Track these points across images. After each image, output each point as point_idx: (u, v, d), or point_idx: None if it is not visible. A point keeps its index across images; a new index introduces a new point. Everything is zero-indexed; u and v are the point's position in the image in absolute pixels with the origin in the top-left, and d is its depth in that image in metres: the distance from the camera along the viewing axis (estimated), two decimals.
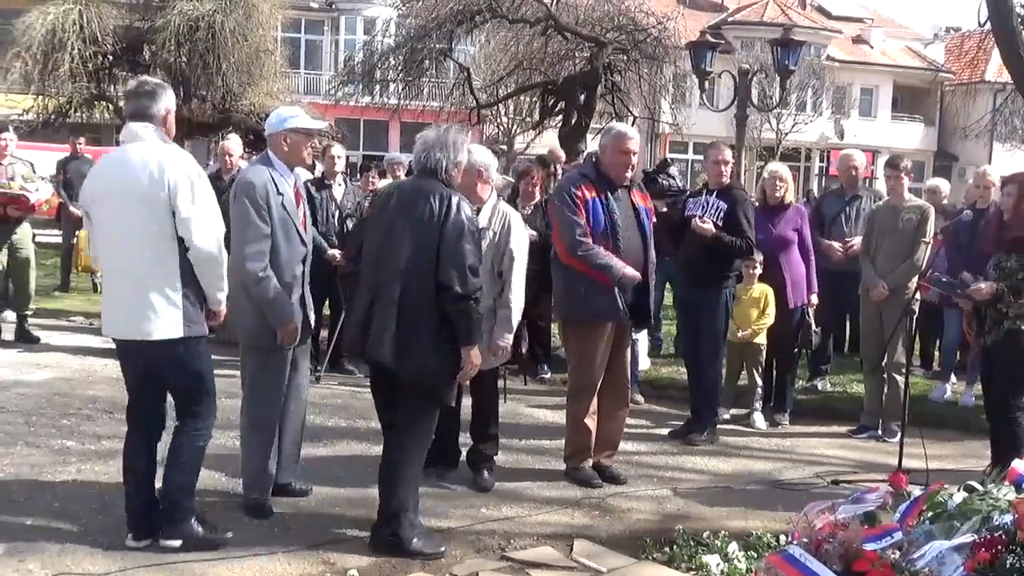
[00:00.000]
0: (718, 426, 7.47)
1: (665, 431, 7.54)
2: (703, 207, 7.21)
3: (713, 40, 14.20)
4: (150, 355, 4.72)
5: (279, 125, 5.30)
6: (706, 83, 13.67)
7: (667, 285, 10.13)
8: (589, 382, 6.17)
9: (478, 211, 5.36)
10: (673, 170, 9.20)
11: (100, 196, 4.67)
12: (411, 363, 4.73)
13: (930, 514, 3.52)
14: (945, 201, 9.48)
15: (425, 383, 4.81)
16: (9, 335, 9.54)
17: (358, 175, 11.79)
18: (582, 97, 17.94)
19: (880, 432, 7.64)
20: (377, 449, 6.58)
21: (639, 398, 8.49)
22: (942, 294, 7.25)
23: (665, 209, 7.13)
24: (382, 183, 9.67)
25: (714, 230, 7.07)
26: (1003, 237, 6.10)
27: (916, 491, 3.77)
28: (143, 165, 4.52)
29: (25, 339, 9.53)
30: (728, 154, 7.37)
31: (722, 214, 7.10)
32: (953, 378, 8.97)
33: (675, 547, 4.97)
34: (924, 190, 9.85)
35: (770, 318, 7.77)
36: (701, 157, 29.87)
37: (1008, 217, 6.07)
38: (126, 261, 4.59)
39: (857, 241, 8.35)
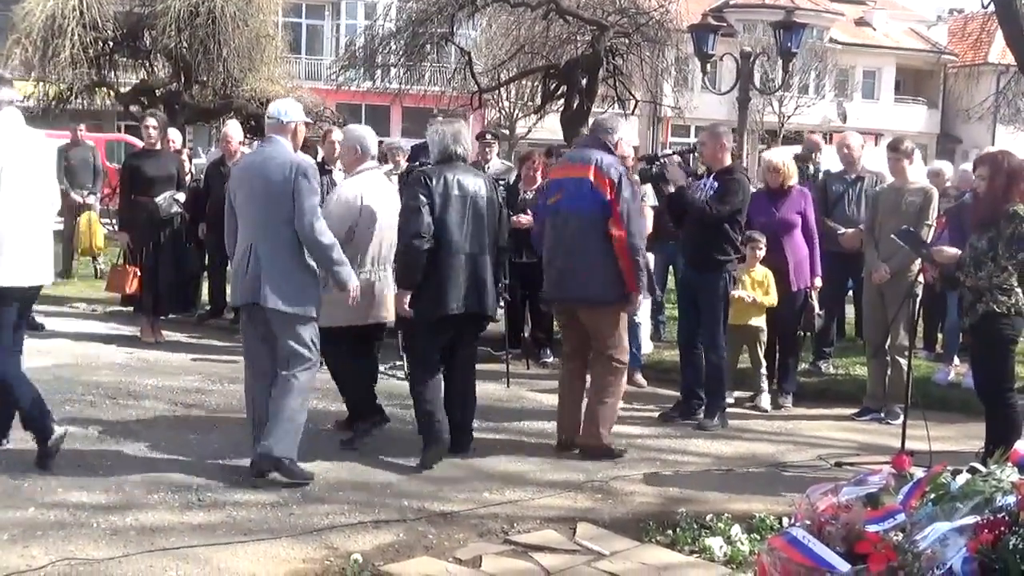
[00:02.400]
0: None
1: None
2: (700, 189, 7.20)
3: (715, 23, 14.18)
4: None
5: (297, 115, 5.78)
6: (708, 66, 13.65)
7: (669, 269, 10.12)
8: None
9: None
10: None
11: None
12: None
13: (933, 496, 3.51)
14: (948, 184, 9.45)
15: None
16: None
17: None
18: (584, 81, 17.88)
19: (883, 414, 7.64)
20: (380, 433, 6.61)
21: (642, 381, 8.49)
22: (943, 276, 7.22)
23: (672, 190, 7.08)
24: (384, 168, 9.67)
25: (681, 183, 7.04)
26: (975, 217, 6.09)
27: (919, 473, 3.77)
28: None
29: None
30: (708, 135, 7.35)
31: (711, 192, 7.09)
32: (956, 360, 8.95)
33: (678, 530, 4.98)
34: (928, 173, 9.82)
35: (772, 299, 7.75)
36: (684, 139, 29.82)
37: (981, 197, 6.06)
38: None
39: (850, 232, 8.36)
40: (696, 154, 8.89)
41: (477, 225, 6.08)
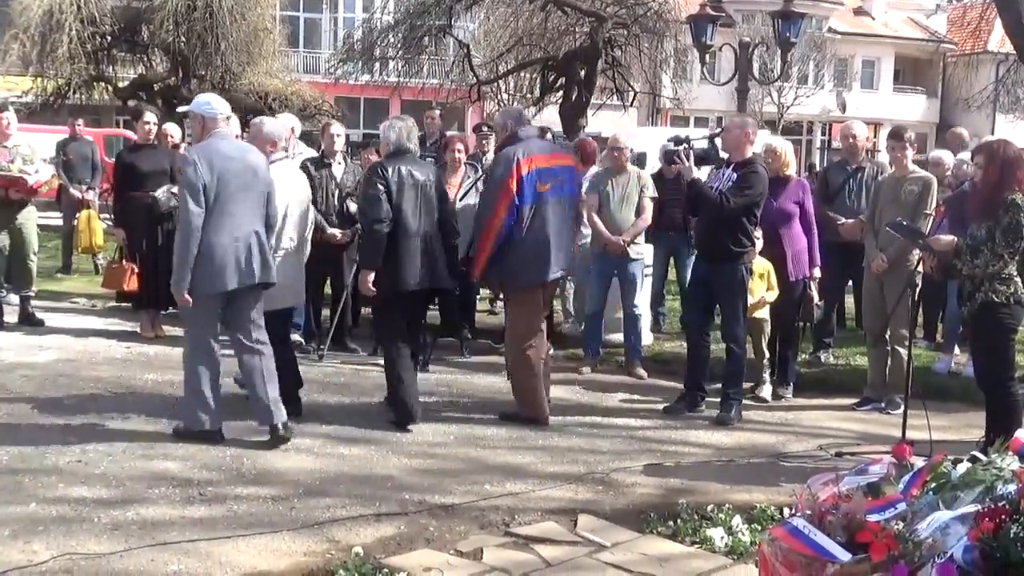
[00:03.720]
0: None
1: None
2: (718, 178, 7.18)
3: (714, 13, 14.13)
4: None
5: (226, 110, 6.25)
6: (707, 57, 13.62)
7: (670, 260, 10.12)
8: None
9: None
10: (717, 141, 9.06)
11: None
12: None
13: (933, 485, 3.51)
14: (949, 173, 9.43)
15: None
16: (13, 317, 9.54)
17: (358, 153, 11.76)
18: (582, 73, 17.87)
19: (883, 404, 7.64)
20: (381, 426, 6.63)
21: (642, 373, 8.50)
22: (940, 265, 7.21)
23: (696, 175, 7.06)
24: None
25: (696, 174, 7.02)
26: (973, 206, 6.08)
27: (919, 462, 3.77)
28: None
29: (29, 321, 9.53)
30: (735, 124, 7.31)
31: (730, 184, 7.06)
32: (956, 349, 8.95)
33: (679, 521, 4.98)
34: (928, 162, 9.80)
35: (773, 293, 7.74)
36: (703, 130, 29.77)
37: (978, 185, 6.05)
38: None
39: (850, 222, 8.35)
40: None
41: (428, 210, 6.75)
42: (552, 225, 6.72)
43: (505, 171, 6.63)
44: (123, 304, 9.80)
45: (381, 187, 6.52)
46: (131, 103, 22.01)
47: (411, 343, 6.89)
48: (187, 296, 5.89)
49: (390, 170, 6.59)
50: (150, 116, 9.37)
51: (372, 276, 6.59)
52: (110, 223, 10.93)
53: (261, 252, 6.04)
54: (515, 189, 6.56)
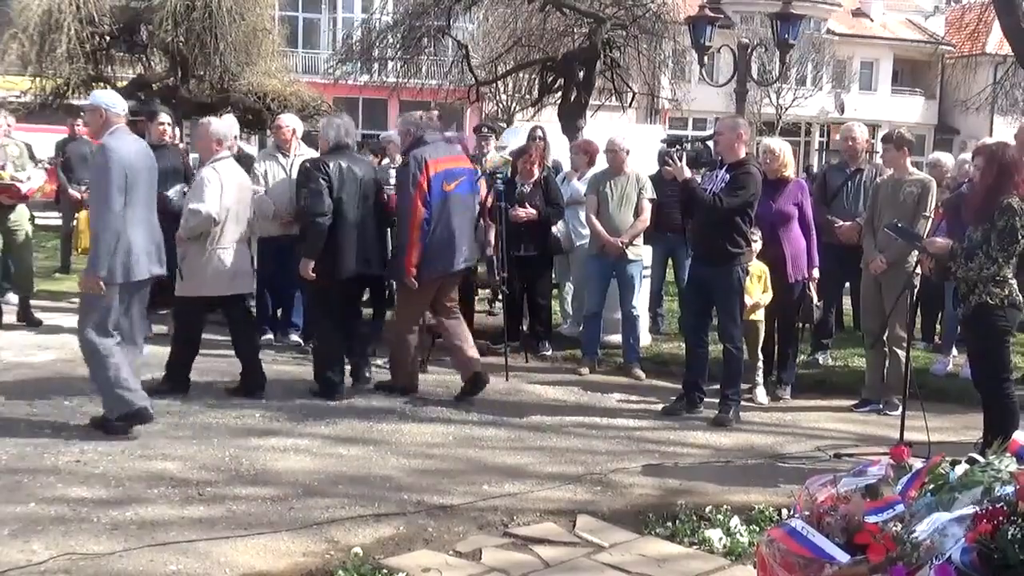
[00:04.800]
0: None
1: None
2: (712, 180, 7.19)
3: (712, 14, 14.13)
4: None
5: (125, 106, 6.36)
6: (705, 58, 13.61)
7: (668, 262, 10.12)
8: None
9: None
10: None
11: None
12: None
13: (931, 486, 3.51)
14: (949, 175, 9.45)
15: None
16: (12, 317, 9.54)
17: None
18: (581, 74, 17.88)
19: (882, 405, 7.65)
20: (380, 427, 6.64)
21: (640, 374, 8.50)
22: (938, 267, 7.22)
23: (688, 176, 7.07)
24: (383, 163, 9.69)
25: (687, 175, 7.04)
26: (971, 209, 6.09)
27: (918, 464, 3.77)
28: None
29: (28, 321, 9.53)
30: (726, 126, 7.32)
31: (723, 185, 7.07)
32: (954, 351, 8.97)
33: (677, 522, 4.99)
34: (927, 164, 9.81)
35: (768, 295, 7.74)
36: (702, 132, 29.80)
37: (976, 188, 6.06)
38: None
39: (847, 224, 8.36)
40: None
41: (365, 203, 7.31)
42: (457, 221, 7.29)
43: (417, 170, 7.11)
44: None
45: (323, 182, 7.08)
46: (130, 103, 22.00)
47: (342, 327, 7.52)
48: (102, 284, 6.02)
49: (331, 165, 7.15)
50: (165, 117, 9.41)
51: (312, 264, 7.12)
52: None
53: (161, 245, 6.34)
54: (426, 187, 7.09)
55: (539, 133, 10.06)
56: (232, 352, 7.47)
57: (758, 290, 7.70)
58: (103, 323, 6.11)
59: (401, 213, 7.24)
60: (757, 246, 7.66)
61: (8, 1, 20.34)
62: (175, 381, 7.20)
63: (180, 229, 7.07)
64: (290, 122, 9.02)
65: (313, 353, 7.70)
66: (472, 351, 7.56)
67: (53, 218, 14.26)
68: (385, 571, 4.35)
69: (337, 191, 7.14)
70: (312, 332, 8.26)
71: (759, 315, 7.84)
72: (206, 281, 7.08)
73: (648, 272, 9.23)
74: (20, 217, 9.41)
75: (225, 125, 7.61)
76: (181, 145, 9.86)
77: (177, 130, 10.04)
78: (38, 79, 20.45)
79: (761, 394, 7.92)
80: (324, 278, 7.20)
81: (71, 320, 9.84)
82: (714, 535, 4.80)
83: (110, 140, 6.06)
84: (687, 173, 7.05)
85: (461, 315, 7.74)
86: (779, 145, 8.08)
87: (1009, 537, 3.04)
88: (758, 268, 7.70)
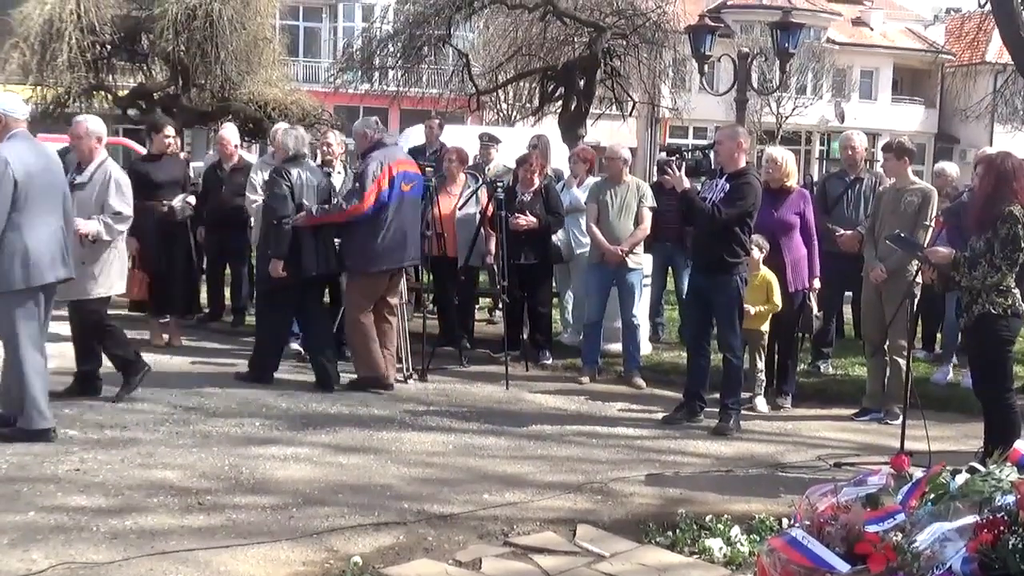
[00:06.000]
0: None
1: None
2: (711, 189, 7.19)
3: (712, 24, 14.18)
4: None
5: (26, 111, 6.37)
6: (706, 67, 13.64)
7: (668, 270, 10.12)
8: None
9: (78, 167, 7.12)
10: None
11: None
12: None
13: (932, 496, 3.52)
14: (953, 183, 9.44)
15: None
16: None
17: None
18: (581, 82, 17.92)
19: (882, 414, 7.64)
20: (380, 435, 6.63)
21: (641, 383, 8.49)
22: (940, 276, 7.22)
23: (687, 186, 7.07)
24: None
25: (686, 185, 7.04)
26: (970, 217, 6.09)
27: (918, 473, 3.78)
28: None
29: None
30: (726, 135, 7.33)
31: (723, 194, 7.08)
32: (955, 360, 8.96)
33: (678, 531, 4.98)
34: (932, 173, 9.79)
35: (775, 305, 7.72)
36: (702, 141, 29.84)
37: (975, 196, 6.07)
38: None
39: (848, 233, 8.36)
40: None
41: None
42: (409, 220, 7.83)
43: (379, 169, 7.57)
44: (135, 313, 9.77)
45: (287, 188, 7.60)
46: (131, 112, 22.05)
47: (287, 323, 8.23)
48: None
49: (293, 173, 7.68)
50: (170, 130, 9.47)
51: (281, 264, 7.58)
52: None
53: (66, 248, 6.28)
54: (385, 187, 7.54)
55: (538, 141, 10.10)
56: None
57: (761, 299, 7.69)
58: (24, 335, 6.07)
59: (345, 197, 7.76)
60: (757, 254, 7.64)
61: (10, 10, 20.40)
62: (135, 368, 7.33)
63: (103, 232, 6.88)
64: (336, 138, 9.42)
65: (256, 343, 8.10)
66: (384, 357, 7.90)
67: None
68: None
69: (299, 196, 7.64)
70: (257, 321, 8.53)
71: (765, 325, 7.83)
72: (119, 277, 7.22)
73: (648, 281, 9.23)
74: None
75: (101, 122, 7.39)
76: (183, 155, 9.87)
77: (178, 140, 10.05)
78: (39, 88, 20.50)
79: (761, 403, 7.91)
80: (288, 278, 7.65)
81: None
82: (714, 544, 4.79)
83: (3, 146, 6.06)
84: (686, 183, 7.06)
85: (393, 324, 8.08)
86: (782, 154, 8.06)
87: (1010, 547, 3.04)
88: (763, 277, 7.69)
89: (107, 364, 7.27)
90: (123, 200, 7.05)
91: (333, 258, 7.89)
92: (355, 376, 7.97)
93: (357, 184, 7.72)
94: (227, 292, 10.25)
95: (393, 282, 7.98)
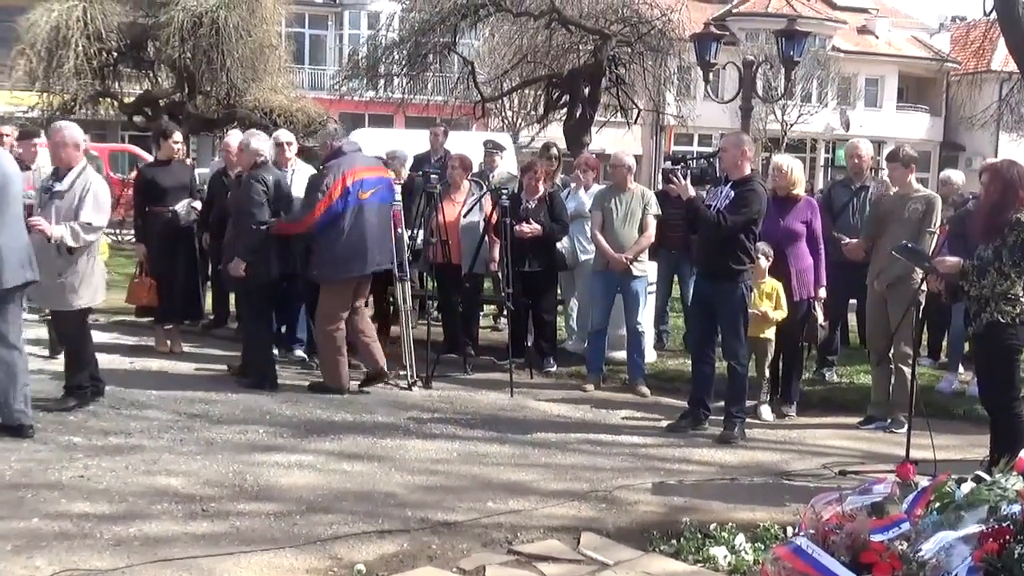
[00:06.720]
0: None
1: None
2: (716, 196, 7.19)
3: (717, 32, 14.19)
4: None
5: None
6: (711, 75, 13.67)
7: (673, 278, 10.11)
8: None
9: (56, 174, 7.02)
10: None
11: None
12: None
13: (937, 505, 3.51)
14: (961, 192, 9.44)
15: None
16: None
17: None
18: (586, 90, 17.94)
19: (887, 423, 7.61)
20: (384, 443, 6.63)
21: (645, 391, 8.48)
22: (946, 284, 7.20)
23: (693, 194, 7.07)
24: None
25: (692, 193, 7.04)
26: (976, 226, 6.08)
27: (923, 482, 3.77)
28: None
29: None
30: (731, 143, 7.32)
31: (728, 202, 7.07)
32: (960, 368, 8.94)
33: (682, 539, 4.97)
34: (938, 181, 9.79)
35: (782, 312, 7.70)
36: (707, 149, 29.85)
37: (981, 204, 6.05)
38: None
39: (854, 242, 8.35)
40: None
41: (288, 212, 8.02)
42: (370, 228, 7.83)
43: (332, 179, 7.66)
44: (140, 319, 9.79)
45: (264, 193, 7.79)
46: (137, 118, 22.08)
47: (270, 324, 8.45)
48: None
49: (270, 179, 7.89)
50: (178, 136, 9.54)
51: (244, 265, 7.77)
52: (116, 239, 10.94)
53: (32, 252, 6.34)
54: (337, 196, 7.63)
55: (554, 151, 10.16)
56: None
57: (769, 306, 7.67)
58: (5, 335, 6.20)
59: (301, 208, 7.91)
60: (764, 263, 7.63)
61: (16, 17, 20.47)
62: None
63: (67, 237, 6.68)
64: (287, 138, 9.25)
65: (244, 347, 8.29)
66: (371, 348, 8.08)
67: None
68: None
69: (273, 202, 7.86)
70: (243, 330, 8.68)
71: (770, 333, 7.82)
72: (100, 287, 7.18)
73: (653, 288, 9.22)
74: None
75: (79, 129, 7.33)
76: (189, 161, 9.90)
77: (185, 147, 10.09)
78: (45, 95, 20.56)
79: (766, 411, 7.89)
80: (257, 279, 7.88)
81: None
82: (719, 553, 4.78)
83: None
84: (691, 191, 7.06)
85: (363, 315, 8.21)
86: (788, 162, 8.04)
87: (1015, 556, 3.03)
88: (771, 286, 7.67)
89: (107, 364, 7.28)
90: (99, 211, 6.92)
91: (291, 257, 8.06)
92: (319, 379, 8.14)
93: (310, 196, 7.81)
94: (231, 299, 10.25)
95: (358, 291, 8.02)
